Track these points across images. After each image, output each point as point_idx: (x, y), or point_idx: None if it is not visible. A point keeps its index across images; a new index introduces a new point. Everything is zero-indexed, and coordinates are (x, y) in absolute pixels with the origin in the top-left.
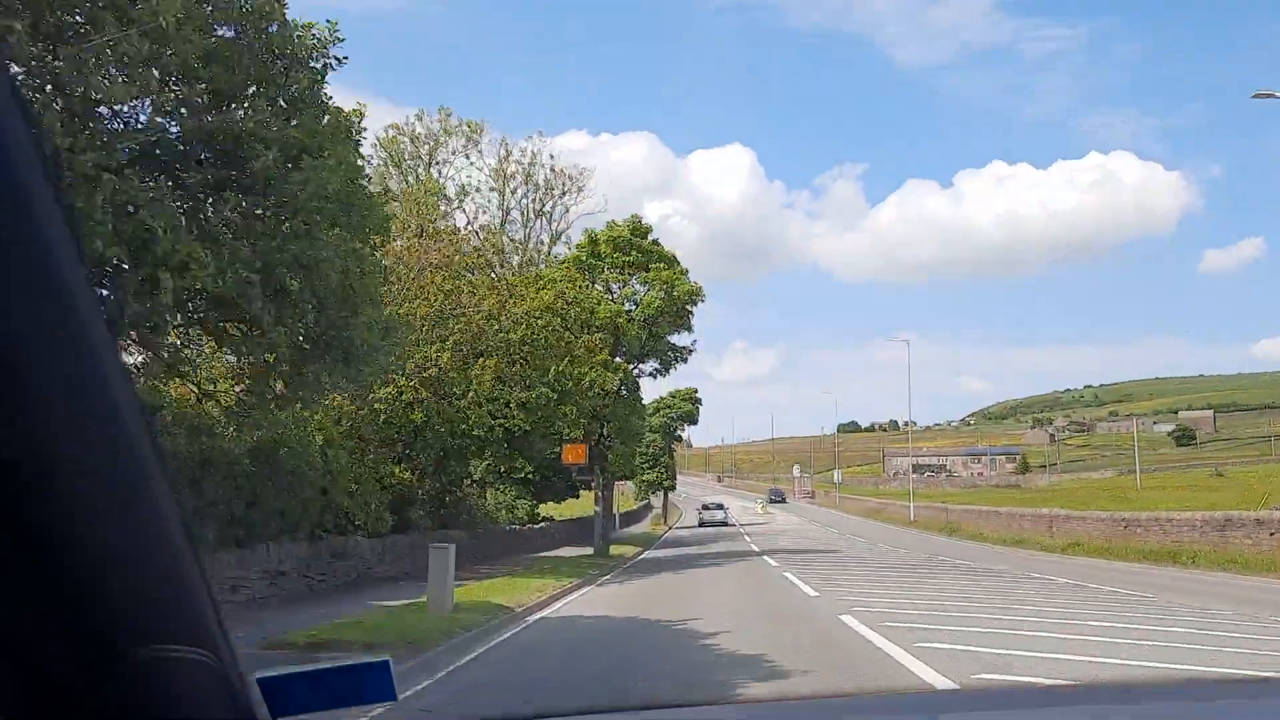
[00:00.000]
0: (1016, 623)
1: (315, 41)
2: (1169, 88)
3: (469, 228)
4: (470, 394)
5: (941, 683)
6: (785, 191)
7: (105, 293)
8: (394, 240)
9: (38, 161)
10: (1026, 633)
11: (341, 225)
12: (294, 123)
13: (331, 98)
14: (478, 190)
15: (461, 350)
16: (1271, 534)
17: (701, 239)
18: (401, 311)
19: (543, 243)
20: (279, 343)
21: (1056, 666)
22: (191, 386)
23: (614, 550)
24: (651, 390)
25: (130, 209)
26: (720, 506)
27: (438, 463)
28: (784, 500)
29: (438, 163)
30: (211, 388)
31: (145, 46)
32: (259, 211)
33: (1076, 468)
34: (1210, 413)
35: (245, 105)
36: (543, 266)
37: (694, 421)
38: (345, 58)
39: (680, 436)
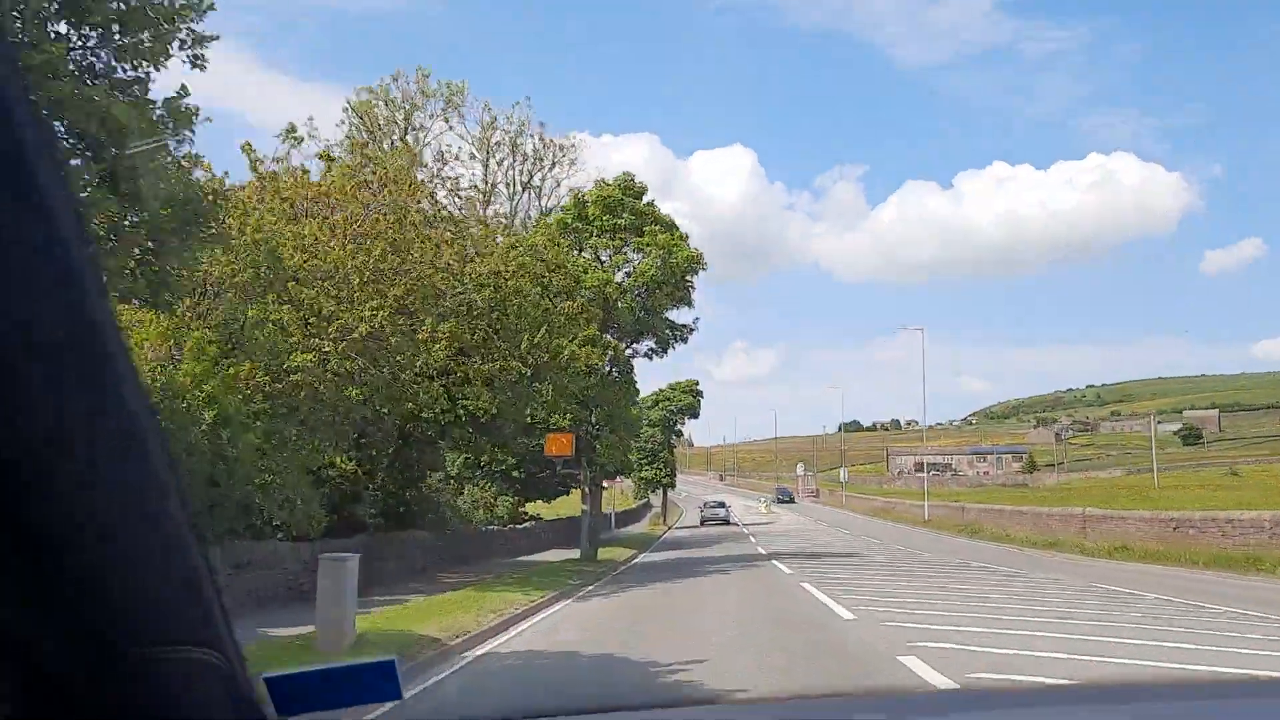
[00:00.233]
0: (1149, 651)
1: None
2: (1169, 88)
3: (447, 194)
4: (420, 365)
5: None
6: (786, 192)
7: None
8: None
9: (54, 166)
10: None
11: None
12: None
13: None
14: (457, 158)
15: (408, 311)
16: None
17: (702, 239)
18: (329, 259)
19: (530, 219)
20: None
21: None
22: None
23: (604, 554)
24: (648, 373)
25: None
26: (721, 504)
27: (396, 453)
28: (792, 500)
29: (414, 129)
30: None
31: None
32: None
33: (1083, 467)
34: (1215, 412)
35: None
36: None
37: (695, 415)
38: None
39: (680, 431)
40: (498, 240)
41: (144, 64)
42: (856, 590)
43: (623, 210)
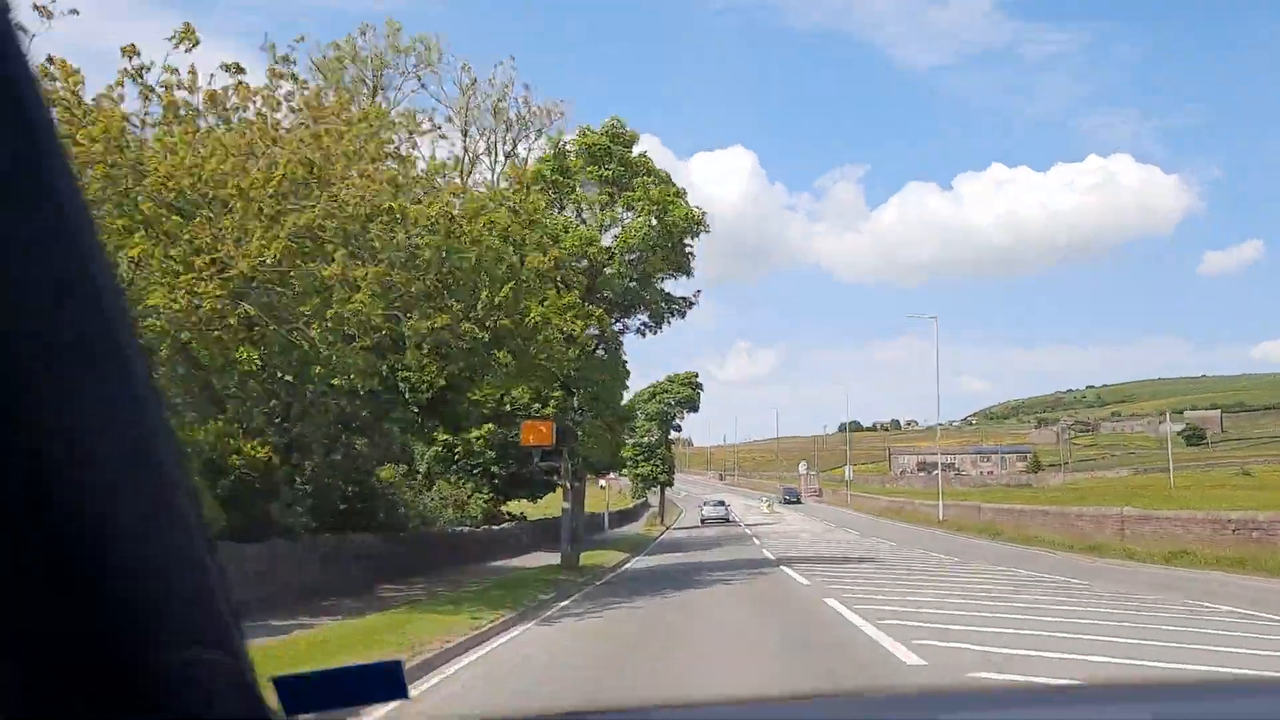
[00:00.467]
0: None
1: None
2: (1169, 89)
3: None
4: (331, 315)
5: None
6: (787, 193)
7: None
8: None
9: (63, 164)
10: None
11: None
12: None
13: None
14: (431, 119)
15: (313, 244)
16: None
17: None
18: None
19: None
20: None
21: None
22: None
23: (591, 558)
24: (644, 367)
25: None
26: (722, 503)
27: (333, 440)
28: (799, 500)
29: (384, 89)
30: None
31: None
32: None
33: (1087, 467)
34: (1217, 413)
35: None
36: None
37: (694, 408)
38: None
39: (679, 426)
40: (454, 179)
41: None
42: (899, 610)
43: (610, 160)
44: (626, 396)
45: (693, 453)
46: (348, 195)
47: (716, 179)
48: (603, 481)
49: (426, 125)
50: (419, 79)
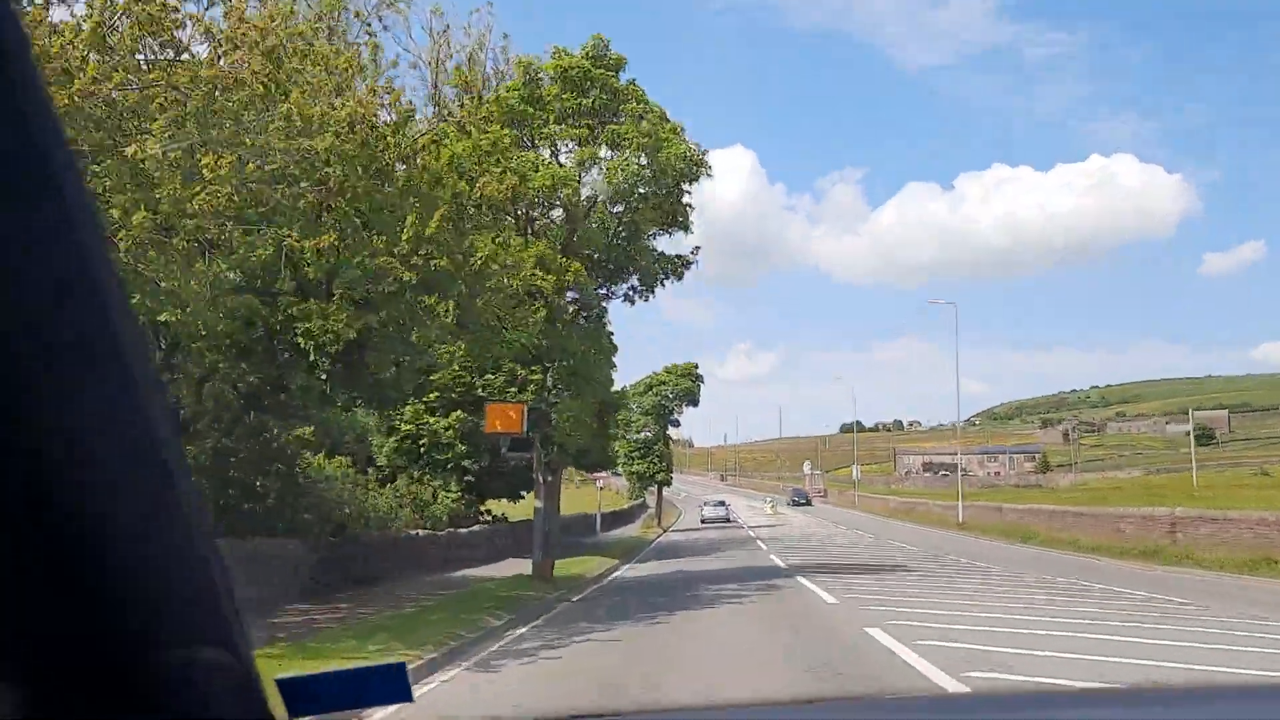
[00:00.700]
0: None
1: None
2: (1170, 90)
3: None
4: (142, 218)
5: None
6: (786, 194)
7: None
8: None
9: (69, 163)
10: None
11: None
12: None
13: None
14: (395, 66)
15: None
16: None
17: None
18: None
19: None
20: None
21: None
22: None
23: (571, 567)
24: (639, 360)
25: None
26: (722, 503)
27: (235, 420)
28: (809, 502)
29: (340, 35)
30: None
31: None
32: None
33: (1096, 467)
34: (1223, 413)
35: None
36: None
37: (694, 402)
38: None
39: (677, 421)
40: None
41: None
42: (979, 649)
43: (592, 88)
44: (619, 383)
45: (693, 453)
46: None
47: (716, 178)
48: (601, 482)
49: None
50: (380, 19)
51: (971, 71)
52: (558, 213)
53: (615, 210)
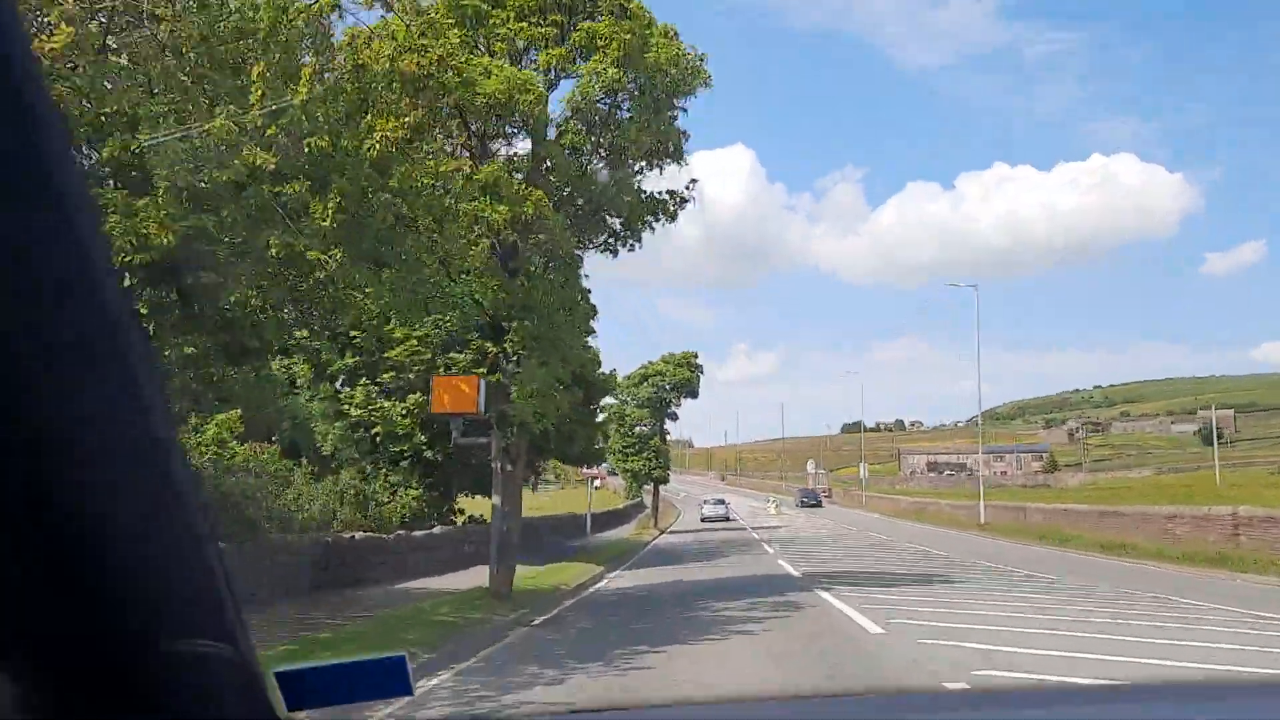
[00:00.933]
0: None
1: None
2: (1170, 90)
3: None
4: None
5: None
6: (786, 194)
7: None
8: None
9: (69, 162)
10: None
11: None
12: None
13: None
14: None
15: None
16: None
17: (703, 240)
18: None
19: None
20: None
21: None
22: None
23: (547, 576)
24: (628, 349)
25: None
26: (722, 501)
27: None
28: (819, 503)
29: None
30: None
31: None
32: None
33: (1104, 467)
34: (1230, 413)
35: None
36: None
37: (694, 394)
38: None
39: (675, 415)
40: None
41: None
42: None
43: None
44: (606, 364)
45: (693, 453)
46: None
47: (716, 179)
48: (598, 481)
49: None
50: None
51: (972, 71)
52: (524, 145)
53: (591, 135)
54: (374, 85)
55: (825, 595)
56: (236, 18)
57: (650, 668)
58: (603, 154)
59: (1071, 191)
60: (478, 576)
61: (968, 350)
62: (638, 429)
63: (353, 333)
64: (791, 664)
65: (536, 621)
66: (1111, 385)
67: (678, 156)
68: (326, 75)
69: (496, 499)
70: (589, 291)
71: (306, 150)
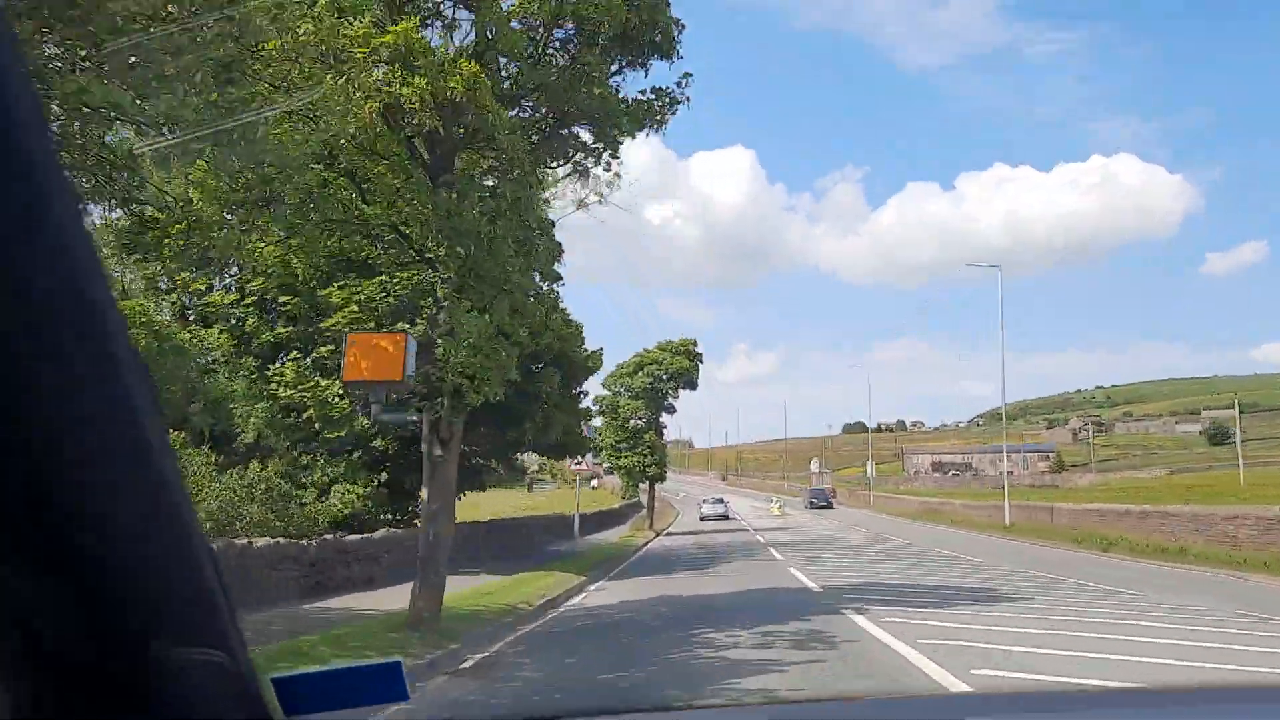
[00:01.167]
0: None
1: None
2: (1171, 90)
3: None
4: None
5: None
6: (786, 194)
7: None
8: None
9: (55, 166)
10: None
11: None
12: None
13: None
14: None
15: None
16: None
17: (703, 240)
18: None
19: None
20: None
21: None
22: None
23: (510, 590)
24: (619, 337)
25: None
26: (721, 500)
27: None
28: (830, 504)
29: None
30: None
31: None
32: None
33: (1112, 467)
34: (1234, 413)
35: None
36: None
37: (693, 385)
38: None
39: (672, 408)
40: None
41: None
42: None
43: None
44: (603, 350)
45: (693, 453)
46: None
47: (716, 179)
48: (595, 481)
49: None
50: None
51: (972, 71)
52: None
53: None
54: None
55: (860, 621)
56: None
57: None
58: (567, 31)
59: (1071, 192)
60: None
61: (971, 348)
62: (632, 422)
63: (282, 299)
64: None
65: (465, 665)
66: (1113, 386)
67: (667, 50)
68: None
69: (424, 494)
70: (552, 224)
71: None
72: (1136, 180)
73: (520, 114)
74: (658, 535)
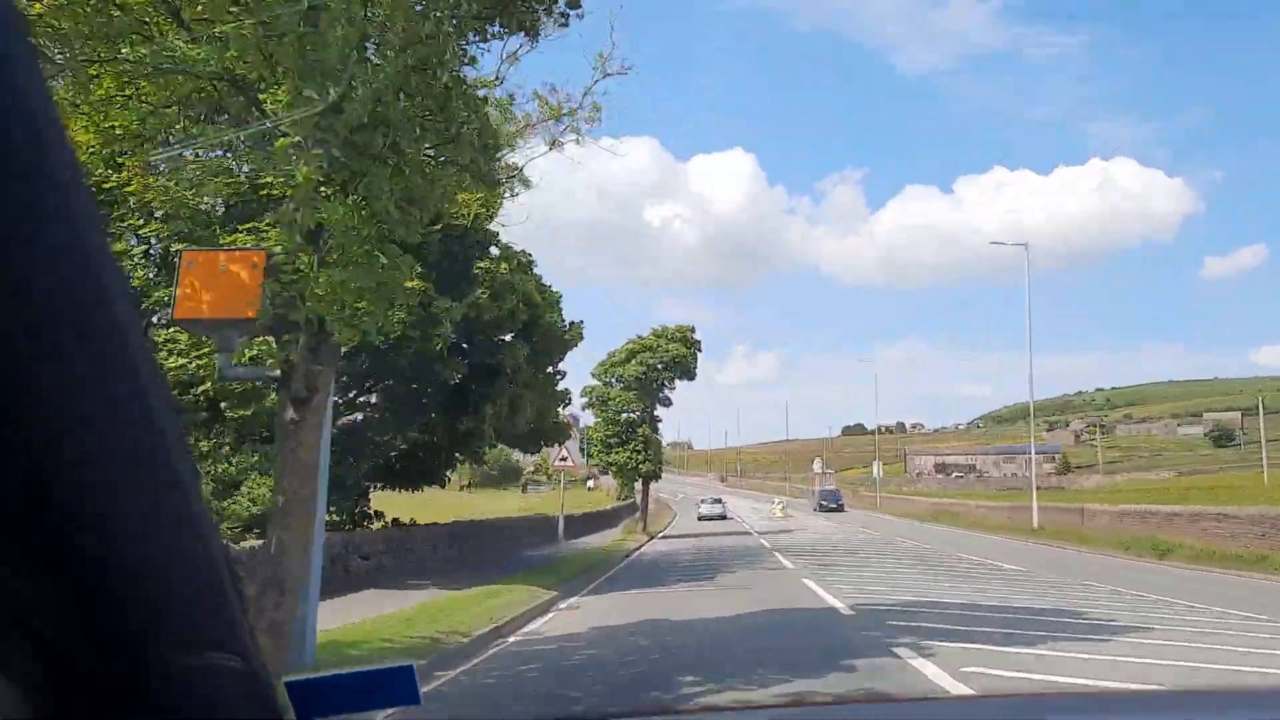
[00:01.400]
0: None
1: None
2: (1171, 91)
3: None
4: None
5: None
6: (786, 196)
7: None
8: None
9: (74, 165)
10: None
11: None
12: None
13: None
14: None
15: None
16: None
17: (703, 242)
18: None
19: None
20: None
21: None
22: None
23: (446, 616)
24: (623, 319)
25: None
26: (719, 500)
27: None
28: (841, 507)
29: None
30: None
31: None
32: None
33: (1118, 469)
34: (1238, 415)
35: None
36: None
37: (690, 375)
38: None
39: (668, 400)
40: None
41: None
42: None
43: None
44: (583, 323)
45: (693, 455)
46: None
47: (716, 182)
48: (592, 482)
49: None
50: None
51: (972, 74)
52: None
53: None
54: None
55: (929, 670)
56: None
57: None
58: None
59: (1070, 195)
60: (338, 612)
61: (965, 353)
62: (624, 415)
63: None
64: None
65: None
66: (1113, 388)
67: None
68: None
69: (279, 488)
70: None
71: None
72: (1135, 184)
73: None
74: (651, 539)
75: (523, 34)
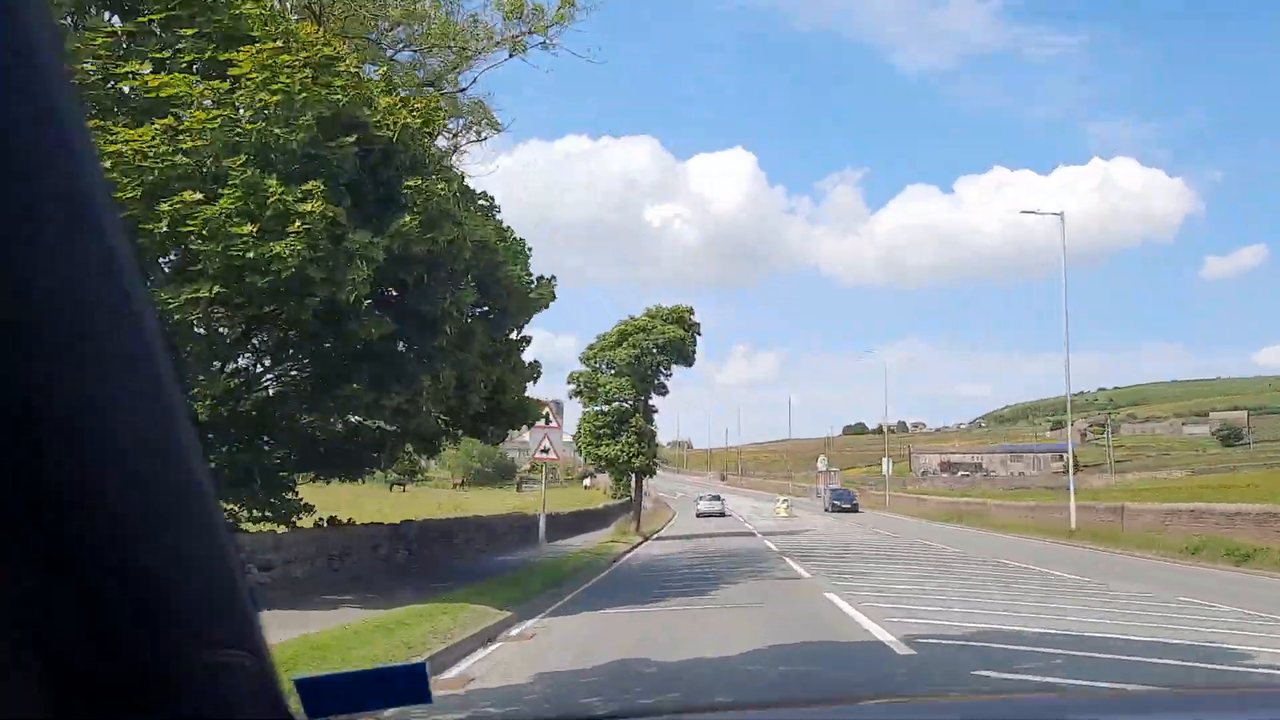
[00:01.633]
0: None
1: None
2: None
3: None
4: None
5: None
6: (786, 196)
7: None
8: None
9: (96, 165)
10: None
11: None
12: None
13: None
14: None
15: None
16: None
17: (703, 242)
18: None
19: None
20: None
21: None
22: None
23: (321, 662)
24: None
25: None
26: (717, 498)
27: None
28: (855, 507)
29: None
30: None
31: None
32: None
33: (1127, 467)
34: (1243, 414)
35: None
36: None
37: (688, 360)
38: None
39: (665, 388)
40: None
41: None
42: None
43: None
44: (555, 279)
45: (693, 454)
46: None
47: (716, 181)
48: (587, 481)
49: None
50: None
51: (972, 74)
52: None
53: None
54: None
55: None
56: None
57: None
58: None
59: (1071, 195)
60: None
61: (964, 354)
62: (615, 404)
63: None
64: None
65: None
66: (1116, 388)
67: None
68: None
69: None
70: None
71: None
72: (1136, 184)
73: None
74: (645, 540)
75: None
